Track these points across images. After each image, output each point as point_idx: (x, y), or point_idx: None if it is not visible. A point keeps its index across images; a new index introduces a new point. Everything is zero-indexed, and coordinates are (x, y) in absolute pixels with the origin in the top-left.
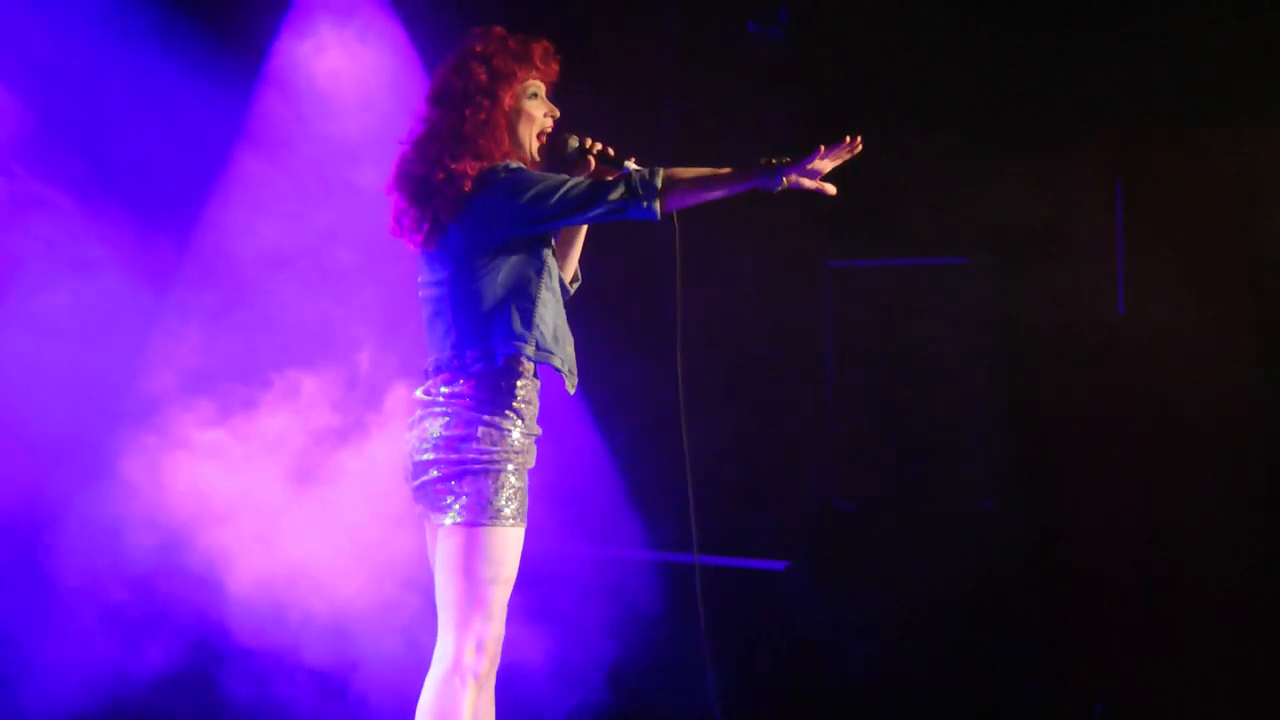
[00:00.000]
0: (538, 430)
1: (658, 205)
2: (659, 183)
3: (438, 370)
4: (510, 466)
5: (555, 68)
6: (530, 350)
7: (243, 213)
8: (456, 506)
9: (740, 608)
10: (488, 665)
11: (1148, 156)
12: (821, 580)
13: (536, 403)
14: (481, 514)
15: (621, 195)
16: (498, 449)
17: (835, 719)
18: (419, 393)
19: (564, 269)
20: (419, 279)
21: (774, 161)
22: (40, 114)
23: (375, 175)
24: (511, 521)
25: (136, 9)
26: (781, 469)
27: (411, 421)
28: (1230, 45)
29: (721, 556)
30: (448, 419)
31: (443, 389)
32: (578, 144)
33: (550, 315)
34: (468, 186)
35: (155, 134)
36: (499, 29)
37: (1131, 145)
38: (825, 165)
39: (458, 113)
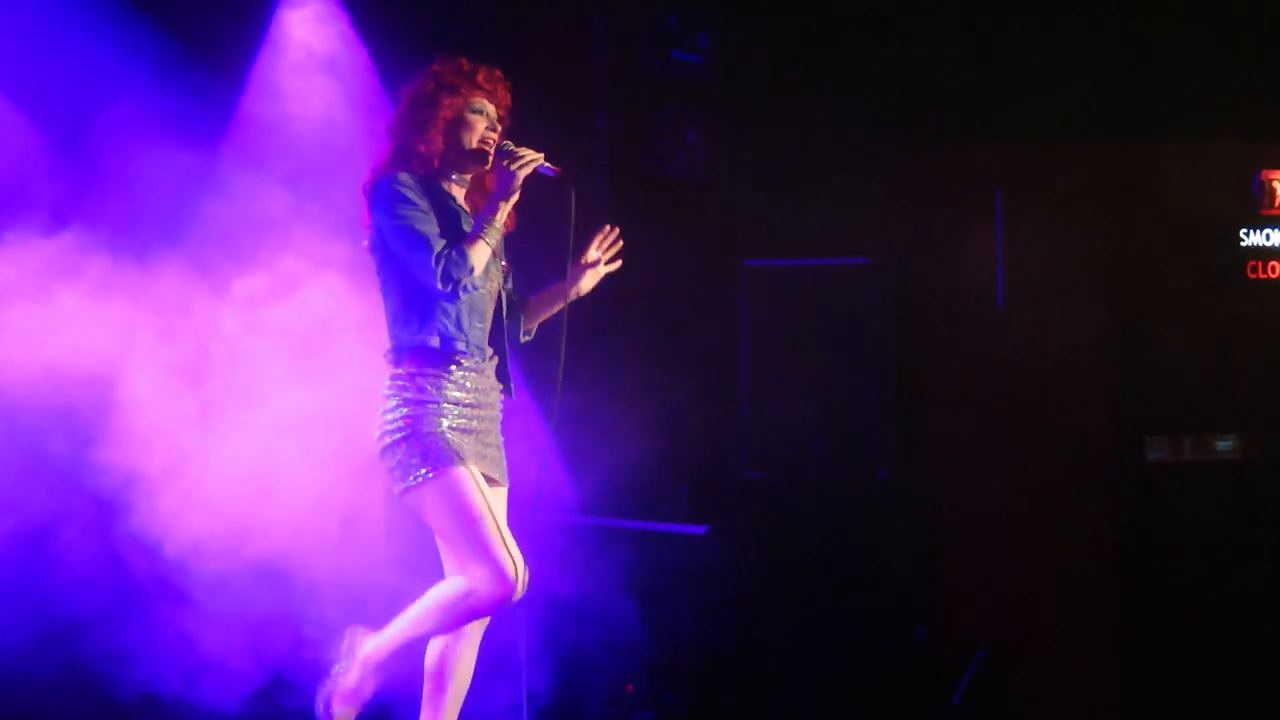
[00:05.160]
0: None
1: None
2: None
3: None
4: (426, 424)
5: (503, 93)
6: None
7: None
8: (396, 475)
9: (665, 568)
10: (519, 588)
11: (1023, 169)
12: (737, 542)
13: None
14: (405, 476)
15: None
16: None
17: (749, 665)
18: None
19: (528, 323)
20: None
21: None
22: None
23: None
24: (430, 474)
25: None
26: (701, 444)
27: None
28: (1093, 72)
29: (649, 522)
30: (386, 395)
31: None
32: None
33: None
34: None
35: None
36: (462, 59)
37: (1009, 159)
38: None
39: (401, 118)
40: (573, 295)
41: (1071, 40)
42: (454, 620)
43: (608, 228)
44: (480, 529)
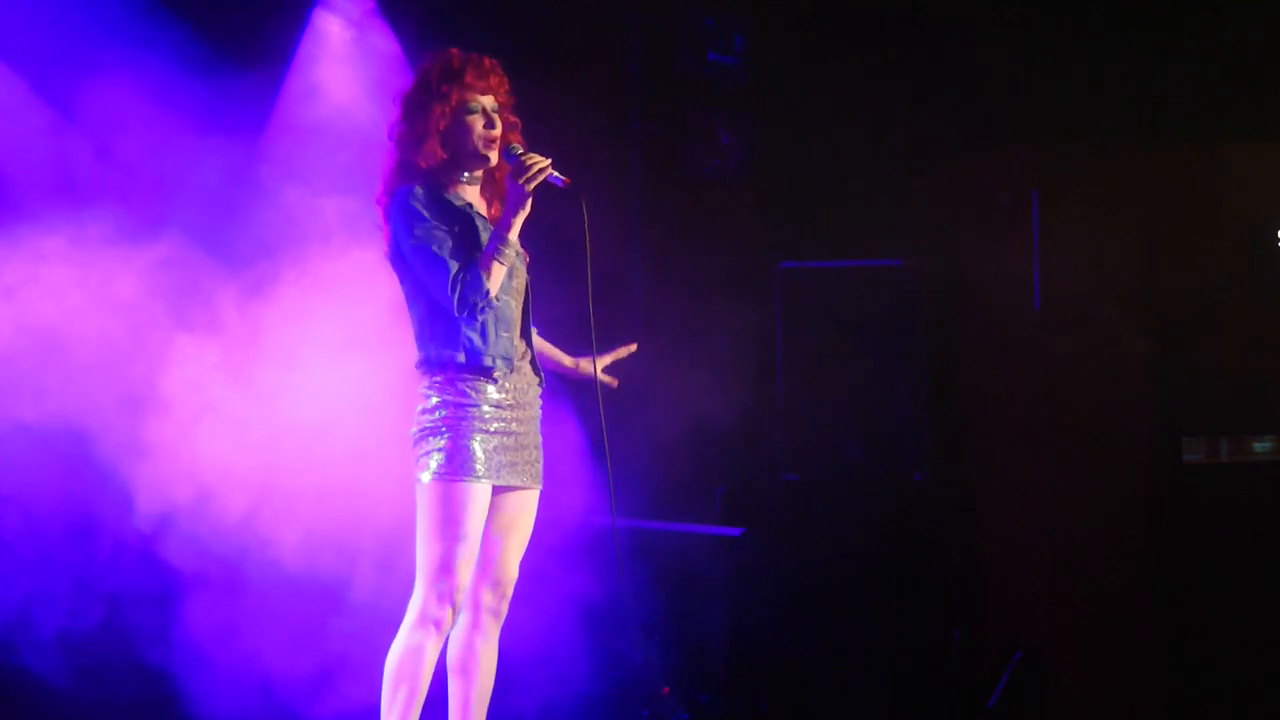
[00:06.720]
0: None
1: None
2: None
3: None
4: (462, 429)
5: (496, 82)
6: None
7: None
8: (418, 464)
9: (701, 569)
10: (449, 615)
11: (1060, 170)
12: (772, 544)
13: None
14: (424, 468)
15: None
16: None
17: (784, 666)
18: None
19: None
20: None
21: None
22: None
23: None
24: (445, 476)
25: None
26: (737, 446)
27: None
28: (1130, 73)
29: (686, 524)
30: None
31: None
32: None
33: None
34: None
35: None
36: (454, 50)
37: (1046, 160)
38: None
39: (401, 128)
40: (578, 367)
41: (1109, 41)
42: (411, 658)
43: (634, 346)
44: (452, 550)
